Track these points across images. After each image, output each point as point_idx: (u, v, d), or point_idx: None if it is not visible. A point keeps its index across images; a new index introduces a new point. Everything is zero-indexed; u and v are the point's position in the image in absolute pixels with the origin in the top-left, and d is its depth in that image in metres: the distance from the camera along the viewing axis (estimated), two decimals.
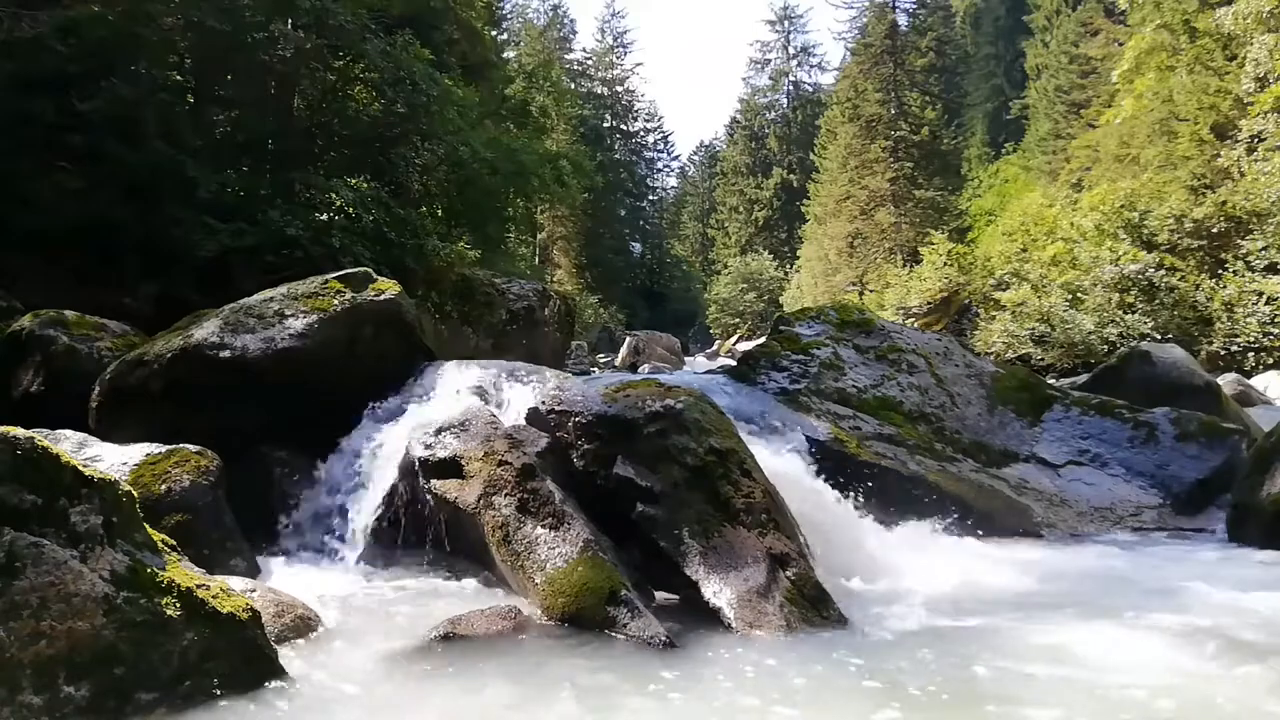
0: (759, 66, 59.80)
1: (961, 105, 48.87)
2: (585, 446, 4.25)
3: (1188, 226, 18.64)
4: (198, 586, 2.76)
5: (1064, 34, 40.82)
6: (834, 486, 4.70)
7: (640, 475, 3.98)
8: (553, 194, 17.26)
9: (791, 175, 53.96)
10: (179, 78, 10.06)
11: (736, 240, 55.32)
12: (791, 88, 59.23)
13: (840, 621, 3.52)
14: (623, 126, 58.25)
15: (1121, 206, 19.41)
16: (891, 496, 5.07)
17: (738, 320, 47.05)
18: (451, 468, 4.17)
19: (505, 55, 29.76)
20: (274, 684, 2.77)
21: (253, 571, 4.07)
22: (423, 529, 4.42)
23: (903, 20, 44.22)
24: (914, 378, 6.43)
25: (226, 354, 4.70)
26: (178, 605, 2.65)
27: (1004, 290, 20.70)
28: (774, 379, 6.15)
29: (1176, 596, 3.91)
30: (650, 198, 62.21)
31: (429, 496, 4.23)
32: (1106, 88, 30.77)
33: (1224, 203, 18.55)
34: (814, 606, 3.53)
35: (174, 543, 3.01)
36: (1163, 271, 17.93)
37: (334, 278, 5.21)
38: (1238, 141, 19.79)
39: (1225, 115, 20.85)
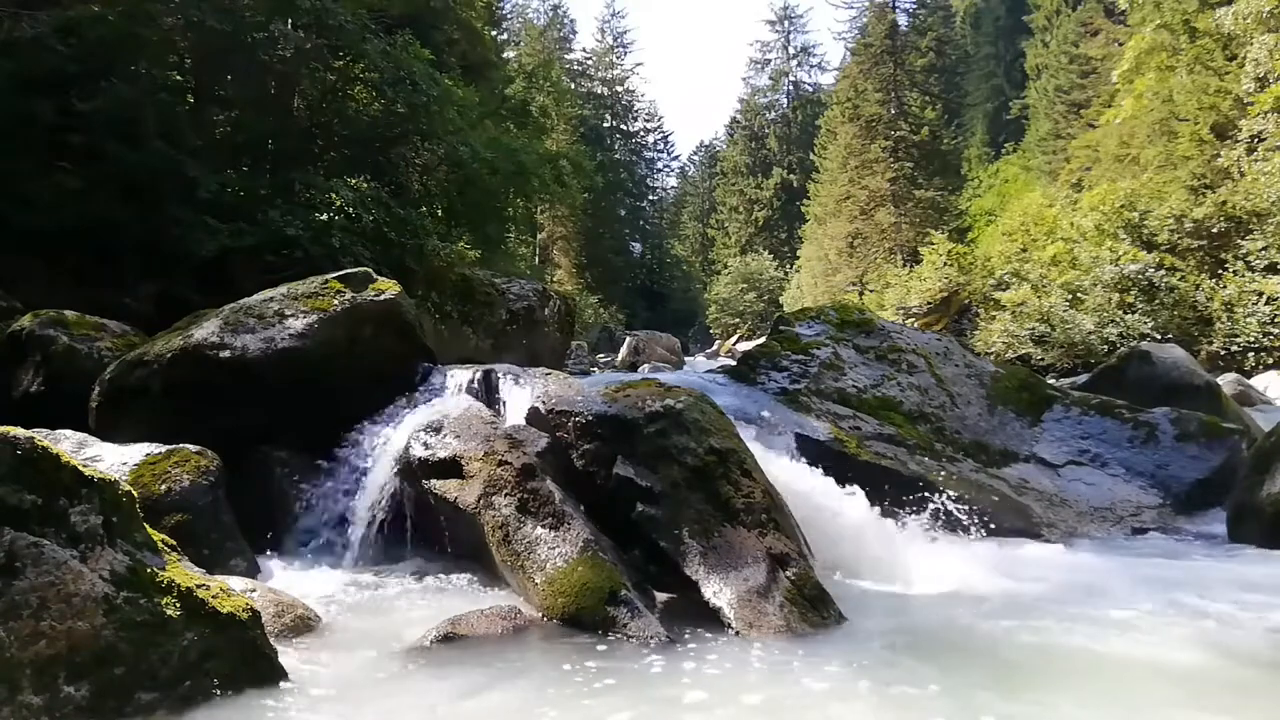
0: (759, 66, 59.88)
1: (961, 105, 48.90)
2: (585, 446, 4.25)
3: (1188, 226, 18.64)
4: (198, 586, 2.76)
5: (1064, 34, 40.83)
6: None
7: (640, 475, 3.98)
8: (553, 194, 17.24)
9: (791, 175, 53.97)
10: (179, 78, 10.05)
11: (736, 240, 55.32)
12: (791, 88, 59.25)
13: (840, 621, 3.53)
14: (623, 126, 58.28)
15: (1121, 206, 19.41)
16: (891, 496, 5.07)
17: (738, 320, 47.04)
18: (451, 468, 4.17)
19: (505, 55, 29.77)
20: (274, 684, 2.78)
21: (253, 571, 4.07)
22: (423, 529, 4.42)
23: (903, 20, 44.33)
24: (914, 378, 6.43)
25: (226, 354, 4.70)
26: (178, 605, 2.65)
27: (1004, 290, 20.70)
28: (774, 379, 6.15)
29: (1176, 596, 3.91)
30: (650, 198, 62.26)
31: (429, 496, 4.23)
32: (1106, 88, 30.78)
33: (1224, 203, 18.55)
34: (814, 606, 3.53)
35: (174, 543, 3.01)
36: (1163, 271, 17.93)
37: (334, 278, 5.21)
38: (1238, 141, 19.78)
39: (1225, 115, 20.84)
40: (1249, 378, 14.78)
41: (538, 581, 3.66)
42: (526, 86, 21.28)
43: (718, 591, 3.55)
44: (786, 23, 58.98)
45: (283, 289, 5.16)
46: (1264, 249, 17.41)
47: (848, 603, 3.71)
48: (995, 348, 18.72)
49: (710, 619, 3.50)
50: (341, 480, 4.66)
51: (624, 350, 25.70)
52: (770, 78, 59.75)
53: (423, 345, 5.47)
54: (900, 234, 37.82)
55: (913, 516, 4.92)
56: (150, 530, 2.87)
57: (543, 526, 3.81)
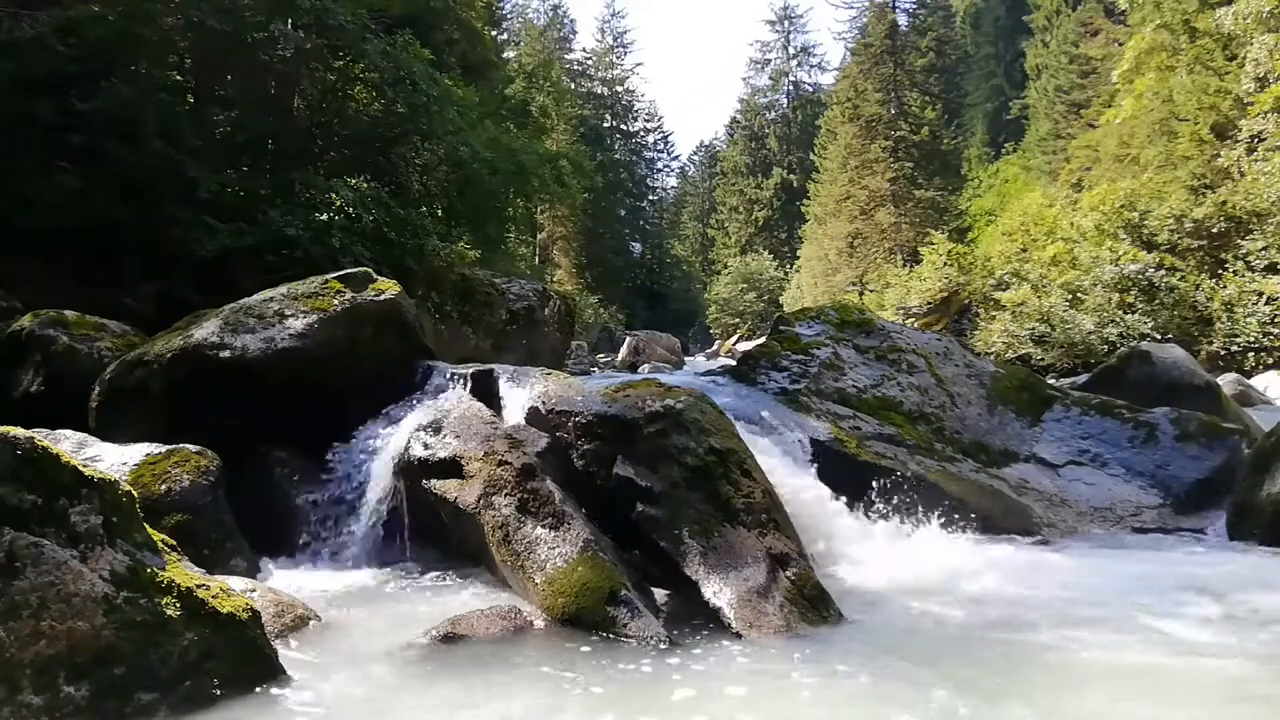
0: (759, 66, 59.88)
1: (961, 105, 48.91)
2: (585, 446, 4.25)
3: (1188, 226, 18.64)
4: (198, 586, 2.76)
5: (1064, 34, 40.84)
6: (834, 487, 4.70)
7: (640, 475, 3.98)
8: (553, 194, 17.27)
9: (791, 175, 53.97)
10: (179, 78, 10.05)
11: (736, 240, 55.32)
12: (791, 88, 59.26)
13: (840, 621, 3.53)
14: (623, 126, 58.27)
15: (1121, 206, 19.41)
16: (891, 497, 5.07)
17: (738, 320, 47.04)
18: (451, 468, 4.17)
19: (505, 55, 29.77)
20: (274, 684, 2.78)
21: (253, 571, 4.07)
22: (423, 529, 4.42)
23: (903, 20, 44.38)
24: (914, 378, 6.43)
25: (226, 354, 4.70)
26: (178, 605, 2.65)
27: (1004, 290, 20.69)
28: (774, 379, 6.15)
29: (1176, 596, 3.91)
30: (650, 198, 62.25)
31: (429, 496, 4.23)
32: (1106, 88, 30.78)
33: (1224, 203, 18.55)
34: (814, 606, 3.53)
35: (174, 543, 3.01)
36: (1163, 271, 17.92)
37: (334, 278, 5.20)
38: (1238, 141, 19.78)
39: (1225, 115, 20.84)
40: (1249, 378, 14.78)
41: (538, 581, 3.66)
42: (526, 86, 21.32)
43: (718, 591, 3.55)
44: (786, 23, 59.04)
45: (283, 289, 5.15)
46: (1264, 249, 17.41)
47: (848, 603, 3.71)
48: (995, 348, 18.71)
49: (710, 619, 3.50)
50: (341, 480, 4.66)
51: (624, 350, 25.69)
52: (770, 78, 59.78)
53: (423, 345, 5.47)
54: (900, 234, 37.83)
55: (913, 516, 4.92)
56: (150, 530, 2.87)
57: (543, 526, 3.81)
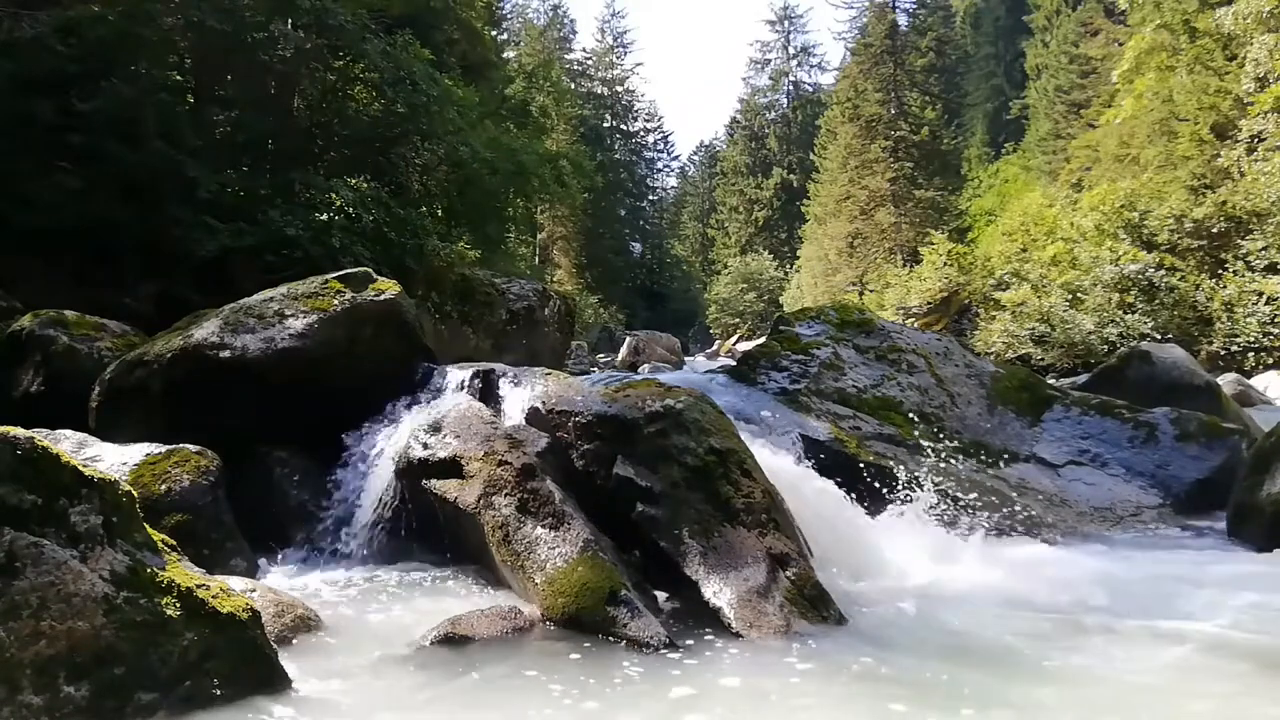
0: (759, 66, 59.90)
1: (961, 105, 48.94)
2: (585, 446, 4.25)
3: (1188, 226, 18.64)
4: (198, 586, 2.76)
5: (1064, 34, 40.85)
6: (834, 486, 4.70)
7: (640, 475, 3.98)
8: (553, 194, 17.27)
9: (791, 175, 53.98)
10: (179, 78, 10.06)
11: (736, 240, 55.33)
12: (791, 88, 59.27)
13: (840, 621, 3.52)
14: (623, 126, 58.28)
15: (1121, 206, 19.42)
16: (891, 496, 5.07)
17: (738, 320, 47.04)
18: (451, 468, 4.17)
19: (505, 55, 29.78)
20: (274, 684, 2.77)
21: (253, 571, 4.07)
22: (423, 529, 4.42)
23: (903, 20, 44.43)
24: (914, 378, 6.43)
25: (226, 354, 4.70)
26: (178, 605, 2.65)
27: (1004, 290, 20.70)
28: (774, 379, 6.15)
29: (1175, 596, 3.91)
30: (650, 198, 62.27)
31: (429, 496, 4.23)
32: (1106, 88, 30.80)
33: (1224, 203, 18.55)
34: (814, 606, 3.53)
35: (174, 543, 3.01)
36: (1163, 271, 17.93)
37: (334, 278, 5.20)
38: (1238, 141, 19.78)
39: (1225, 115, 20.84)
40: (1249, 378, 14.78)
41: (538, 581, 3.66)
42: (526, 86, 21.32)
43: (718, 591, 3.55)
44: (786, 23, 59.04)
45: (283, 289, 5.15)
46: (1264, 249, 17.42)
47: (848, 603, 3.71)
48: (995, 348, 18.71)
49: (710, 619, 3.50)
50: (341, 480, 4.66)
51: (624, 350, 25.69)
52: (770, 78, 59.78)
53: (423, 345, 5.47)
54: (900, 234, 37.85)
55: (912, 516, 4.91)
56: (150, 530, 2.86)
57: (543, 526, 3.81)
